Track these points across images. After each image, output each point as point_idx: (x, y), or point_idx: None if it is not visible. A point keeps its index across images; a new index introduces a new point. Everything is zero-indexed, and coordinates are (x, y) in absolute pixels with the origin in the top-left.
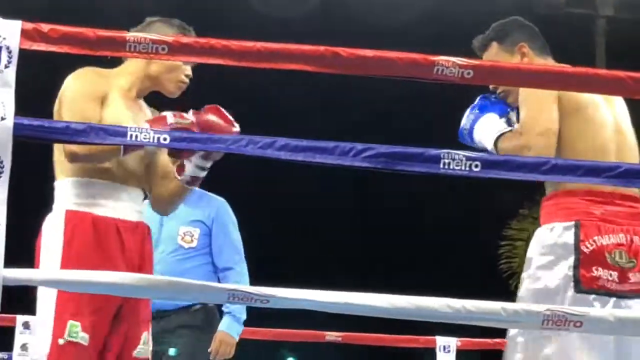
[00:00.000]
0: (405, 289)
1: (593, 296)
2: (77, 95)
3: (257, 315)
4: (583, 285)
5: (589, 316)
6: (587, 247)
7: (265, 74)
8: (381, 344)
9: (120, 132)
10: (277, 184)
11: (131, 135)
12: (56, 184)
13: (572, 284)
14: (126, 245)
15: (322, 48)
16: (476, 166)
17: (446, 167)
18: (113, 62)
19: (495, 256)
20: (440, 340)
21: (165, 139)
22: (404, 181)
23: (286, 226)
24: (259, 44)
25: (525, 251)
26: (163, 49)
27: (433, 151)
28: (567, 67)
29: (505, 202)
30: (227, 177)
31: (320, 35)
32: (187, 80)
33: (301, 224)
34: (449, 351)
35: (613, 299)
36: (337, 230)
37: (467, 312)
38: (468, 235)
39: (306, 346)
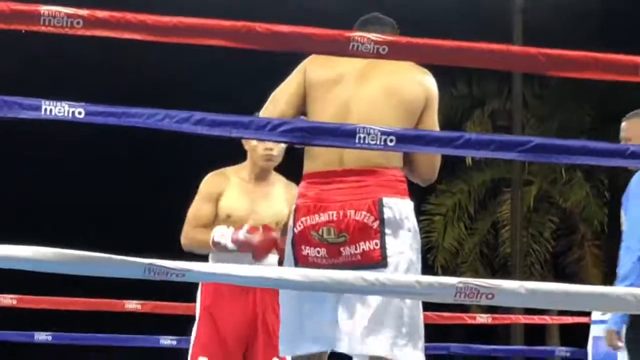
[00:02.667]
0: None
1: None
2: (198, 197)
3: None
4: (299, 262)
5: (501, 288)
6: (297, 228)
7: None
8: None
9: (34, 106)
10: None
11: (45, 109)
12: None
13: (293, 262)
14: None
15: (238, 23)
16: (391, 141)
17: (361, 141)
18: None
19: None
20: None
21: (80, 113)
22: None
23: None
24: (175, 19)
25: (444, 225)
26: (78, 22)
27: (349, 126)
28: (482, 45)
29: None
30: None
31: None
32: (269, 152)
33: None
34: None
35: None
36: None
37: (382, 285)
38: None
39: None
